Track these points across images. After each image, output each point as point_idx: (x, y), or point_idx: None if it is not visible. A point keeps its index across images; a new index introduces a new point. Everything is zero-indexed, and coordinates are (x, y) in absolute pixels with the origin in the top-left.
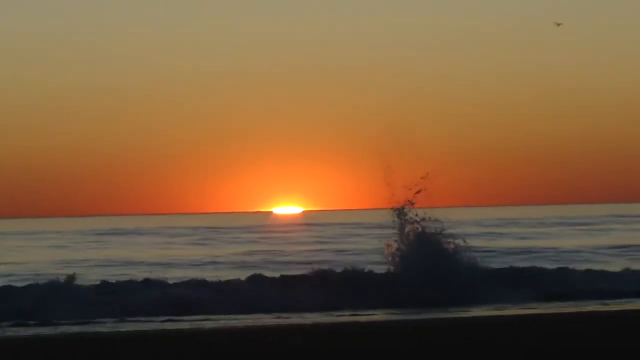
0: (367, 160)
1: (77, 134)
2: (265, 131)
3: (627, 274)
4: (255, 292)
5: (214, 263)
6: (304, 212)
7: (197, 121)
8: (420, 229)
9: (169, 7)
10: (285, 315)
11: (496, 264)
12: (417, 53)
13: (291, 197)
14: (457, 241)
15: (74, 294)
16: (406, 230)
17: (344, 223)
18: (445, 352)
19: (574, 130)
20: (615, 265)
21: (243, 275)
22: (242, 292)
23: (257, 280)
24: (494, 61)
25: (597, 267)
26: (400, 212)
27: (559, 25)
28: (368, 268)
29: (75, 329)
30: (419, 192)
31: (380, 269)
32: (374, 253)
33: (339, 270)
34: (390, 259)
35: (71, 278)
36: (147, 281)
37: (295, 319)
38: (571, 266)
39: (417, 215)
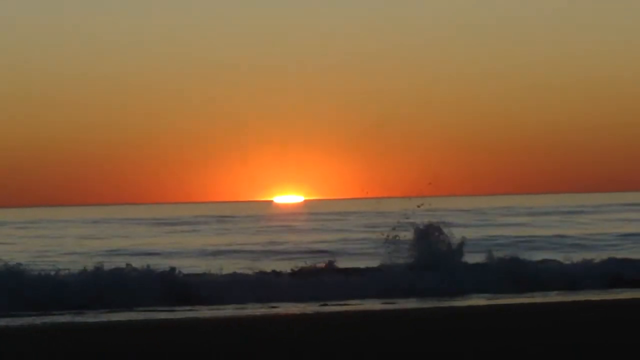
0: (368, 149)
1: (73, 122)
2: (265, 120)
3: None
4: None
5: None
6: (305, 201)
7: (198, 111)
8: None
9: None
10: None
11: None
12: (418, 43)
13: (292, 186)
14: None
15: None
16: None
17: (356, 212)
18: (439, 339)
19: (580, 120)
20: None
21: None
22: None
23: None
24: (495, 53)
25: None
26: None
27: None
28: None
29: (66, 318)
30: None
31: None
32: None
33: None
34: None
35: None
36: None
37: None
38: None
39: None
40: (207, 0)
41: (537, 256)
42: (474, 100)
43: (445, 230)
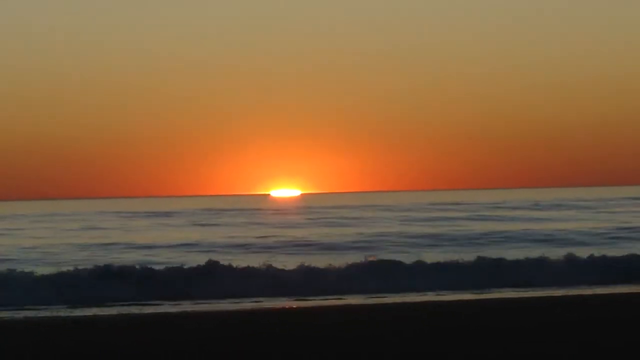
0: (367, 143)
1: (73, 121)
2: (262, 114)
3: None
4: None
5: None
6: (301, 194)
7: (195, 106)
8: None
9: None
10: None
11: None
12: (418, 38)
13: (289, 180)
14: None
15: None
16: None
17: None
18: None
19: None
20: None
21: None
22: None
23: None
24: (503, 50)
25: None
26: None
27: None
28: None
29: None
30: None
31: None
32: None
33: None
34: None
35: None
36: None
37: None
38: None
39: None
40: None
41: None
42: (472, 99)
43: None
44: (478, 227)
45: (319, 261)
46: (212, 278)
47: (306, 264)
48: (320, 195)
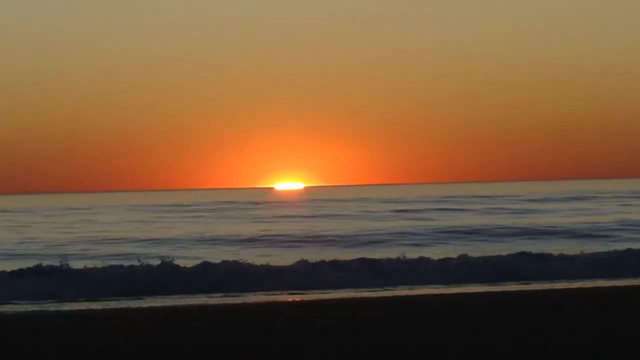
0: (371, 136)
1: (81, 114)
2: (266, 108)
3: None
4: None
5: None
6: (305, 187)
7: (200, 99)
8: None
9: None
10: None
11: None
12: (421, 35)
13: (293, 173)
14: None
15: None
16: None
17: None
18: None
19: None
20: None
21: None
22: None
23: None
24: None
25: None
26: None
27: None
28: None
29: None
30: None
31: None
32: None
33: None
34: None
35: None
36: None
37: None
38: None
39: None
40: None
41: None
42: (470, 97)
43: None
44: (481, 220)
45: (321, 255)
46: (211, 273)
47: (308, 259)
48: (324, 188)
